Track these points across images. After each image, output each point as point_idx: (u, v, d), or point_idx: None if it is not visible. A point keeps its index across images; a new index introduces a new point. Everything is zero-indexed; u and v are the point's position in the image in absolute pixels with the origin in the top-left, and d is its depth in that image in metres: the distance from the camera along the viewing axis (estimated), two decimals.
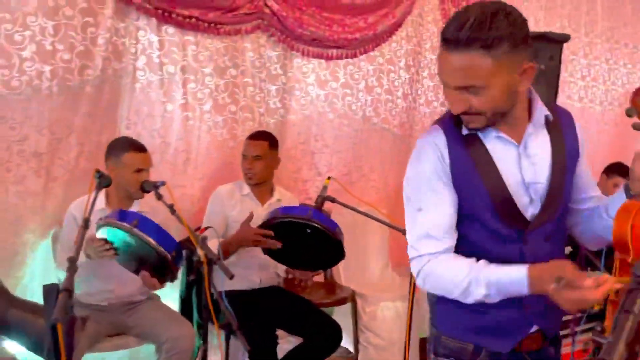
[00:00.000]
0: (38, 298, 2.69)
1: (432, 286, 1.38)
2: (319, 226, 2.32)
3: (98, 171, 2.11)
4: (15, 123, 2.42)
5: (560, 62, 4.02)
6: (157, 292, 2.62)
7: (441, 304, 1.44)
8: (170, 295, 2.79)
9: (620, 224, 1.30)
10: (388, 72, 3.66)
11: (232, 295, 2.72)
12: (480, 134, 1.35)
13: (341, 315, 3.17)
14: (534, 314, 1.38)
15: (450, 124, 1.37)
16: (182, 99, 2.87)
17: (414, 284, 1.98)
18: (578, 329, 2.80)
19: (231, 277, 1.90)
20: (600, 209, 1.45)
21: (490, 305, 1.31)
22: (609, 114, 5.09)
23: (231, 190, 2.77)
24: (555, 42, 3.90)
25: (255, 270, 2.77)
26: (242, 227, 2.49)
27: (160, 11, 2.72)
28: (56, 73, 2.48)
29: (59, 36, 2.47)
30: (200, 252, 1.97)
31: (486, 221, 1.34)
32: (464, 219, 1.37)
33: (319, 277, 3.45)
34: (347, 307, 3.24)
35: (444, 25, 1.26)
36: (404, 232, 1.46)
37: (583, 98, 4.93)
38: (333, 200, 2.65)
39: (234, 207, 2.74)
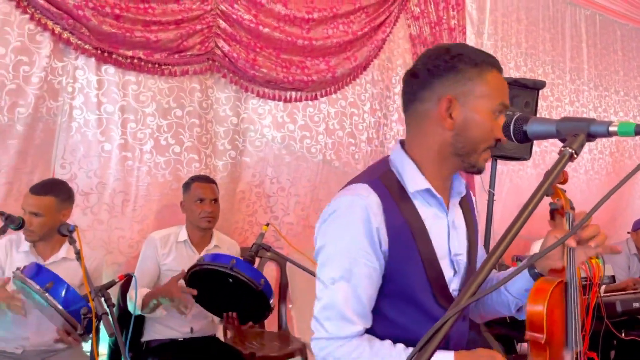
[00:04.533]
0: None
1: None
2: (240, 276, 2.20)
3: (2, 213, 2.03)
4: None
5: (536, 109, 3.90)
6: None
7: None
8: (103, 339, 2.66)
9: (535, 304, 1.28)
10: (351, 115, 3.57)
11: (161, 345, 2.61)
12: (415, 198, 1.22)
13: None
14: None
15: (382, 185, 1.20)
16: (121, 139, 2.81)
17: None
18: None
19: (111, 334, 1.75)
20: (494, 283, 1.37)
21: None
22: (598, 162, 4.90)
23: (166, 236, 2.66)
24: (529, 88, 3.78)
25: (188, 318, 2.62)
26: (171, 282, 2.37)
27: (99, 51, 2.69)
28: None
29: None
30: (91, 304, 1.84)
31: (418, 299, 1.21)
32: (394, 299, 1.21)
33: (274, 328, 3.30)
34: None
35: (484, 53, 1.23)
36: None
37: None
38: (268, 249, 2.53)
39: (168, 254, 2.63)
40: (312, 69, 3.32)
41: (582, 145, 0.85)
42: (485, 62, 1.20)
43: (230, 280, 2.26)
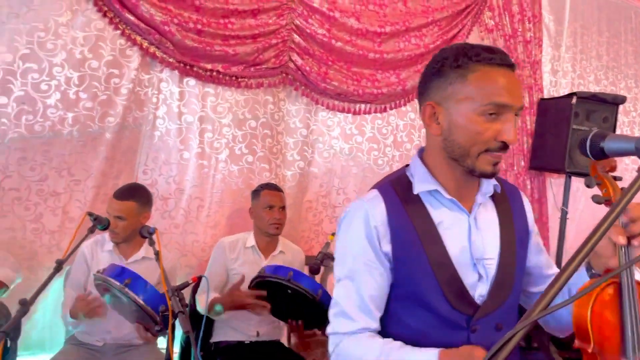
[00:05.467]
0: (48, 332, 2.82)
1: None
2: (297, 288, 2.27)
3: (91, 214, 2.19)
4: (35, 164, 2.60)
5: (615, 125, 3.74)
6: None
7: None
8: (176, 340, 2.80)
9: (579, 310, 1.17)
10: (420, 127, 3.56)
11: (227, 346, 2.71)
12: (428, 201, 1.23)
13: None
14: None
15: (391, 189, 1.25)
16: (199, 148, 2.96)
17: None
18: None
19: (186, 332, 1.85)
20: (563, 293, 1.29)
21: None
22: None
23: (235, 241, 2.76)
24: (608, 103, 3.64)
25: (254, 323, 2.71)
26: (232, 290, 2.46)
27: (182, 64, 2.85)
28: (78, 119, 2.65)
29: (83, 86, 2.65)
30: (168, 301, 1.96)
31: (430, 303, 1.20)
32: (406, 302, 1.23)
33: None
34: None
35: (475, 50, 1.17)
36: None
37: None
38: (333, 258, 2.57)
39: (237, 259, 2.73)
40: (383, 82, 3.35)
41: None
42: (471, 61, 1.15)
43: (289, 291, 2.33)
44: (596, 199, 1.27)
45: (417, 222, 1.21)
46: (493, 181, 1.28)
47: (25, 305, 1.65)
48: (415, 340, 1.19)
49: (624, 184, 1.23)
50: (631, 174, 4.32)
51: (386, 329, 1.27)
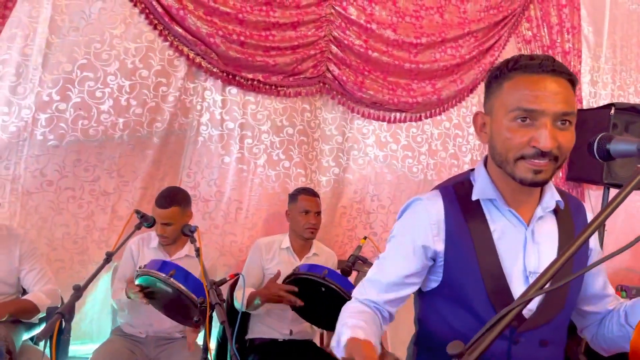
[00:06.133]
0: (96, 324, 3.01)
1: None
2: (332, 286, 2.35)
3: (138, 212, 2.35)
4: (89, 166, 2.80)
5: None
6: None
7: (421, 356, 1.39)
8: (212, 334, 2.94)
9: (638, 338, 1.17)
10: (455, 136, 3.62)
11: (262, 343, 2.82)
12: (487, 208, 1.26)
13: None
14: None
15: (452, 192, 1.28)
16: (238, 153, 3.11)
17: None
18: None
19: (222, 322, 1.97)
20: (618, 315, 1.31)
21: None
22: None
23: (270, 242, 2.88)
24: None
25: (287, 322, 2.82)
26: (268, 283, 2.58)
27: (225, 74, 3.01)
28: (128, 124, 2.84)
29: (134, 93, 2.84)
30: (207, 294, 2.08)
31: (475, 308, 1.21)
32: (452, 303, 1.27)
33: None
34: None
35: (515, 59, 1.19)
36: None
37: None
38: (365, 261, 2.66)
39: (272, 259, 2.85)
40: (418, 91, 3.43)
41: None
42: (508, 70, 1.18)
43: (323, 289, 2.41)
44: None
45: (473, 227, 1.23)
46: (556, 196, 1.28)
47: (79, 291, 1.81)
48: (451, 337, 1.18)
49: None
50: None
51: (429, 326, 1.34)
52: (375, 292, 1.33)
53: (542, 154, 1.13)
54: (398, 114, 3.46)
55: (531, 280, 1.23)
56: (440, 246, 1.26)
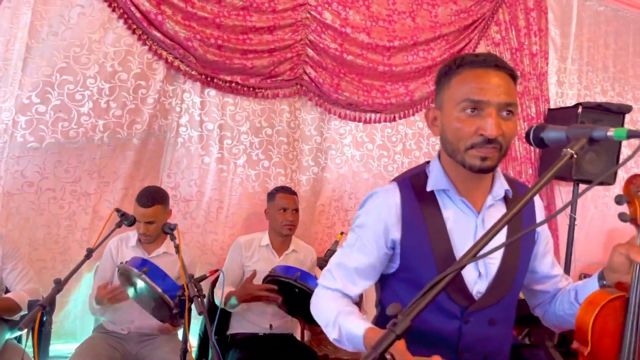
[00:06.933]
0: (79, 323, 3.04)
1: (314, 313, 1.44)
2: (304, 288, 2.44)
3: (119, 210, 2.41)
4: (69, 167, 2.85)
5: None
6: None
7: None
8: (194, 331, 3.00)
9: (583, 315, 1.27)
10: (428, 136, 3.73)
11: (243, 337, 2.88)
12: (441, 198, 1.34)
13: None
14: None
15: (409, 183, 1.38)
16: (218, 154, 3.18)
17: None
18: None
19: (200, 313, 2.04)
20: (569, 295, 1.41)
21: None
22: None
23: (250, 240, 2.96)
24: (613, 112, 3.75)
25: (268, 316, 2.88)
26: (245, 284, 2.65)
27: (204, 76, 3.09)
28: (108, 126, 2.90)
29: (114, 96, 2.90)
30: (185, 287, 2.15)
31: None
32: (408, 286, 1.35)
33: None
34: None
35: (462, 58, 1.29)
36: None
37: None
38: None
39: (252, 257, 2.92)
40: (392, 93, 3.54)
41: (582, 148, 0.99)
42: (455, 67, 1.28)
43: (297, 290, 2.49)
44: (622, 217, 1.32)
45: (427, 216, 1.31)
46: (505, 185, 1.37)
47: (60, 284, 1.86)
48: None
49: None
50: None
51: (387, 307, 1.41)
52: (342, 281, 1.40)
53: (489, 141, 1.22)
54: (373, 115, 3.56)
55: (480, 266, 1.32)
56: (397, 234, 1.35)
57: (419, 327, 1.26)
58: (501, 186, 1.37)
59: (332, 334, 1.32)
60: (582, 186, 3.97)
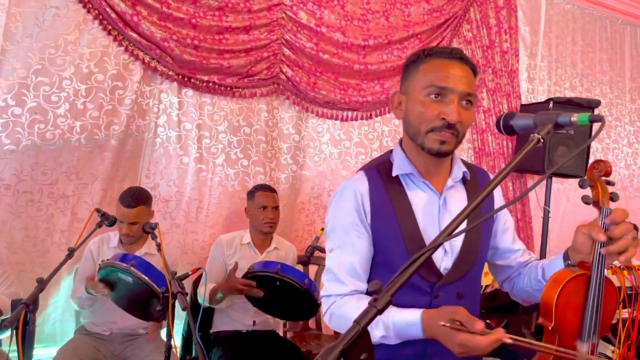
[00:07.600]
0: (59, 326, 3.02)
1: (336, 325, 1.43)
2: (285, 279, 2.47)
3: (99, 210, 2.41)
4: (47, 169, 2.83)
5: (591, 128, 3.96)
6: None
7: None
8: (177, 331, 3.00)
9: (548, 292, 1.34)
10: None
11: (226, 335, 2.91)
12: (405, 182, 1.42)
13: None
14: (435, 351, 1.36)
15: (375, 171, 1.45)
16: (197, 153, 3.19)
17: None
18: None
19: (184, 308, 2.06)
20: (537, 272, 1.49)
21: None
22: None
23: (232, 238, 2.98)
24: (582, 107, 3.87)
25: (250, 313, 2.91)
26: (228, 276, 2.67)
27: (181, 77, 3.10)
28: (85, 128, 2.90)
29: (90, 97, 2.90)
30: (168, 284, 2.17)
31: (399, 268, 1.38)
32: (378, 265, 1.42)
33: (331, 331, 3.51)
34: None
35: (430, 48, 1.38)
36: None
37: (631, 165, 4.71)
38: (322, 251, 2.78)
39: (234, 255, 2.94)
40: (368, 91, 3.60)
41: (548, 133, 1.05)
42: (423, 56, 1.37)
43: (278, 283, 2.52)
44: (585, 199, 1.39)
45: (394, 199, 1.39)
46: (463, 168, 1.47)
47: (42, 283, 1.87)
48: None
49: (613, 188, 1.43)
50: (624, 180, 4.54)
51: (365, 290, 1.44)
52: (351, 281, 1.40)
53: (449, 126, 1.31)
54: (350, 113, 3.62)
55: (446, 244, 1.40)
56: (368, 219, 1.40)
57: (394, 304, 1.28)
58: (459, 169, 1.46)
59: (376, 333, 1.32)
60: (555, 179, 4.09)
